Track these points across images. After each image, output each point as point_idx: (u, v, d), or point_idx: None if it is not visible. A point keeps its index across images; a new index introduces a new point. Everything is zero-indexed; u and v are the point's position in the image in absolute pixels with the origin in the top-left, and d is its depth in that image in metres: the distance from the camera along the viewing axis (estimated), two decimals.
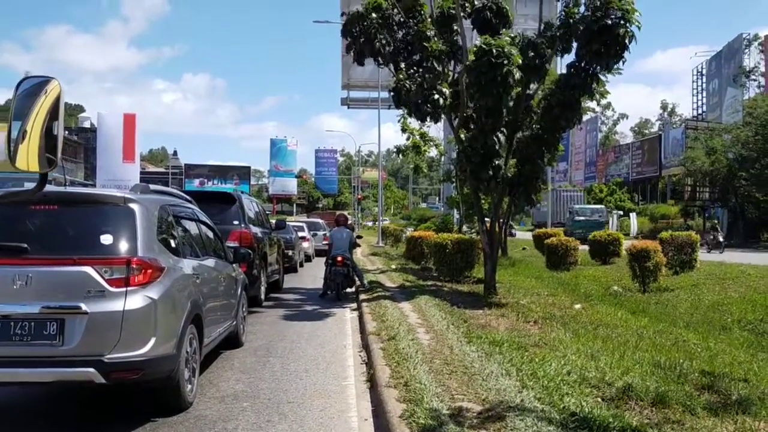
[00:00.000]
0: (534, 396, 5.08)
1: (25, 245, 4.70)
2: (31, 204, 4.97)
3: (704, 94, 57.64)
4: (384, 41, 12.98)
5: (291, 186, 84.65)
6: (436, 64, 12.57)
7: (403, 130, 22.57)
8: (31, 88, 2.72)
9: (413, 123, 21.51)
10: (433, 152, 25.56)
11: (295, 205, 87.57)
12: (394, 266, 19.76)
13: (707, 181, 40.51)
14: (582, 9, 11.15)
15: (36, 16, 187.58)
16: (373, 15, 12.77)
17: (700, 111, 58.12)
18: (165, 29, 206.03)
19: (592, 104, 13.07)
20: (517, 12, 13.05)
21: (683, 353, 7.54)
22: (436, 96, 11.76)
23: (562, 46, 11.54)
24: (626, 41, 10.38)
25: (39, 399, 5.78)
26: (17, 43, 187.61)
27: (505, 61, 10.43)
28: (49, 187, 4.64)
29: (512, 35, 11.83)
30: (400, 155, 23.60)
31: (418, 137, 23.43)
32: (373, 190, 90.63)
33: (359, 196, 76.76)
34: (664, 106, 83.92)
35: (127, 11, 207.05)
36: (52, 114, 2.63)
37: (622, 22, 10.30)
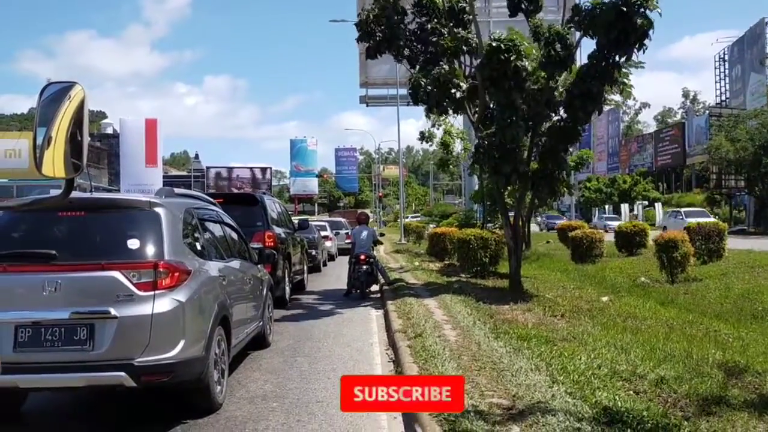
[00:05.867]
0: (565, 391, 5.03)
1: (54, 252, 4.75)
2: (58, 211, 5.01)
3: (727, 80, 56.76)
4: (401, 38, 13.01)
5: (312, 185, 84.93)
6: (446, 61, 12.63)
7: (425, 139, 22.74)
8: (55, 93, 2.71)
9: (438, 132, 21.89)
10: (458, 147, 25.42)
11: (316, 205, 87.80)
12: (417, 263, 19.72)
13: (733, 169, 39.81)
14: None
15: (57, 23, 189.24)
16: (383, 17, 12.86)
17: (723, 98, 57.24)
18: (186, 32, 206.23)
19: (617, 97, 12.74)
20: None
21: (715, 344, 7.42)
22: (453, 90, 11.94)
23: (588, 34, 11.34)
24: (645, 29, 10.17)
25: (71, 403, 5.83)
26: (39, 50, 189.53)
27: (513, 56, 10.64)
28: (74, 194, 4.66)
29: (538, 25, 11.80)
30: (424, 141, 23.68)
31: (442, 133, 23.40)
32: (393, 187, 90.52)
33: (380, 194, 76.68)
34: (686, 94, 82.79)
35: (149, 15, 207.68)
36: (77, 119, 2.62)
37: (641, 9, 10.08)
